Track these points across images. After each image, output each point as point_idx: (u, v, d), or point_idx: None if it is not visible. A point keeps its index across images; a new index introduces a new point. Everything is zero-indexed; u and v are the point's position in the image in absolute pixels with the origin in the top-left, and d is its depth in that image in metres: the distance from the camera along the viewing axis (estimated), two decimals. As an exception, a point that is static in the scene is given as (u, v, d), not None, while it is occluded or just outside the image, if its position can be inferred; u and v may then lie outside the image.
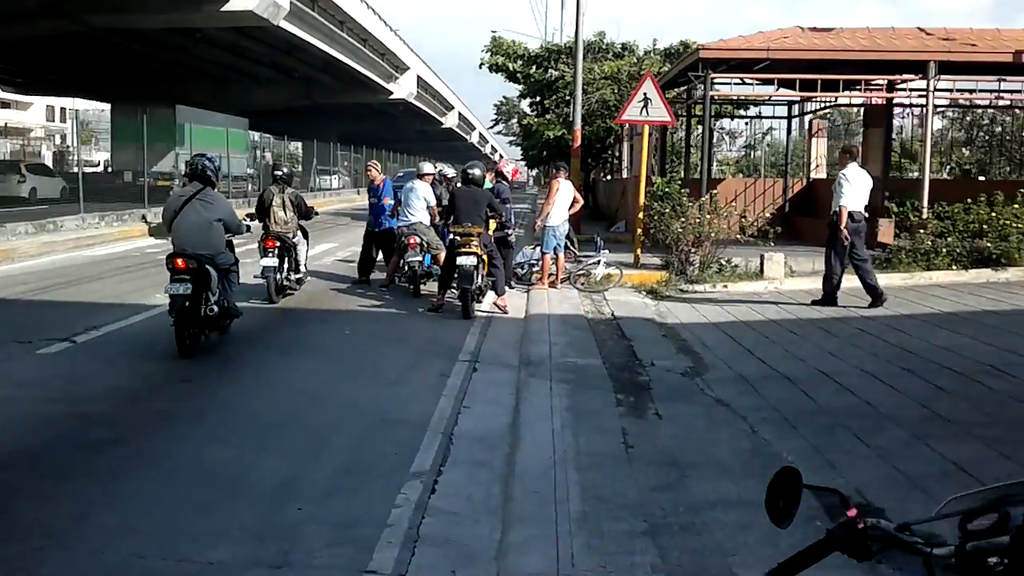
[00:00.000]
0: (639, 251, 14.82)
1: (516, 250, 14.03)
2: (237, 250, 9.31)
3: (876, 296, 10.60)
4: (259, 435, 6.02)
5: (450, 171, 15.88)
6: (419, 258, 12.20)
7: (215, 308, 8.18)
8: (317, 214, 12.97)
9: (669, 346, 8.82)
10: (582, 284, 13.13)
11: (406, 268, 12.39)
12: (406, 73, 51.94)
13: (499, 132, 61.13)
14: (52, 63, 39.86)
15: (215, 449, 5.65)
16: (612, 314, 10.94)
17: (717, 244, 13.18)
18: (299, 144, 56.34)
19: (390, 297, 12.25)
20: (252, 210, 11.81)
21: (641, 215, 14.68)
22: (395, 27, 46.57)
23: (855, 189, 10.55)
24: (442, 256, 12.16)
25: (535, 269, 13.65)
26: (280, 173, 11.94)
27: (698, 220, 13.04)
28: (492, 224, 11.59)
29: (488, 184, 12.48)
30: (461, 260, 10.52)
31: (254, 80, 46.01)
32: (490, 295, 11.55)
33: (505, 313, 11.07)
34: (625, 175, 24.30)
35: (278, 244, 11.23)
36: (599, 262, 13.46)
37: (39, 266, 14.67)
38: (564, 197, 12.96)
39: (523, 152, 35.44)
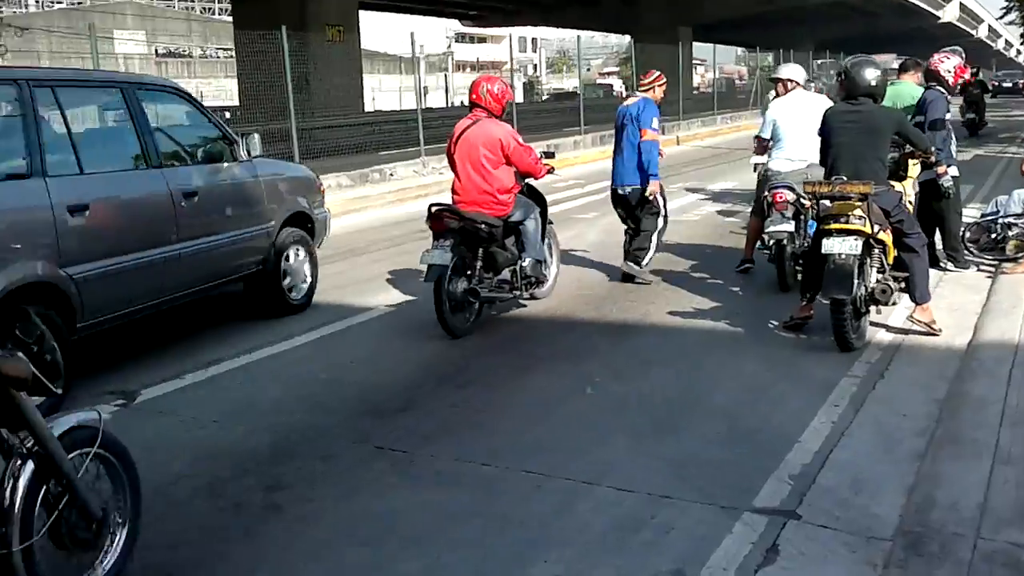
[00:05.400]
0: None
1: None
2: None
3: None
4: None
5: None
6: (788, 227, 7.13)
7: None
8: None
9: None
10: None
11: (769, 240, 7.46)
12: (889, -42, 43.29)
13: (1010, 22, 48.63)
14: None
15: None
16: None
17: None
18: (768, 55, 50.81)
19: (738, 291, 7.54)
20: None
21: None
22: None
23: None
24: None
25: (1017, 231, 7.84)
26: None
27: None
28: (913, 167, 6.32)
29: (907, 92, 7.07)
30: (830, 245, 5.50)
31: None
32: (902, 302, 6.31)
33: (934, 334, 5.86)
34: None
35: None
36: None
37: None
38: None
39: None
